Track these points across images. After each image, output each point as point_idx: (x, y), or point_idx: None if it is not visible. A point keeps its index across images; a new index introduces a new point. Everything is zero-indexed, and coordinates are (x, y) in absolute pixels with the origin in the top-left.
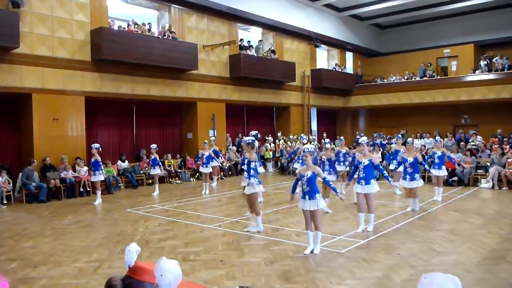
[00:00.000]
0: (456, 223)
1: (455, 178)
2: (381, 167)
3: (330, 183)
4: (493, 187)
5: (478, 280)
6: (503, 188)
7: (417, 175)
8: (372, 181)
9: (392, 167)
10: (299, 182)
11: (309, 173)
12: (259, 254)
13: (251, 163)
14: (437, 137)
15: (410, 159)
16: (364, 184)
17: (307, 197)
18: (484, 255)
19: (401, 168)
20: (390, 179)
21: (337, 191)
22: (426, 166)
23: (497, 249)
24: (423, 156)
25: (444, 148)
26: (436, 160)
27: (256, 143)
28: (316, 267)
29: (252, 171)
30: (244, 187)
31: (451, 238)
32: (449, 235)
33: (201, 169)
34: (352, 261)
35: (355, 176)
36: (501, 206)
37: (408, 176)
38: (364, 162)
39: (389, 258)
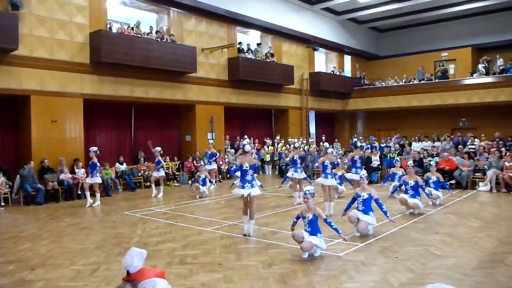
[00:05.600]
0: (454, 227)
1: (453, 181)
2: (380, 201)
3: (332, 224)
4: (491, 190)
5: (476, 284)
6: (502, 191)
7: (418, 197)
8: (371, 213)
9: (390, 189)
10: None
11: (310, 216)
12: (257, 257)
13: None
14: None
15: (411, 183)
16: (362, 214)
17: (307, 234)
18: (482, 258)
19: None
20: (388, 214)
21: (340, 232)
22: (426, 190)
23: (495, 252)
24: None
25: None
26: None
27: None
28: (314, 271)
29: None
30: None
31: (449, 242)
32: (447, 239)
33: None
34: (350, 265)
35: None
36: (499, 209)
37: (409, 194)
38: (363, 196)
39: (387, 262)
